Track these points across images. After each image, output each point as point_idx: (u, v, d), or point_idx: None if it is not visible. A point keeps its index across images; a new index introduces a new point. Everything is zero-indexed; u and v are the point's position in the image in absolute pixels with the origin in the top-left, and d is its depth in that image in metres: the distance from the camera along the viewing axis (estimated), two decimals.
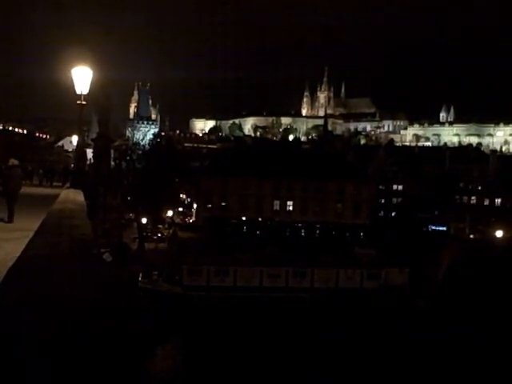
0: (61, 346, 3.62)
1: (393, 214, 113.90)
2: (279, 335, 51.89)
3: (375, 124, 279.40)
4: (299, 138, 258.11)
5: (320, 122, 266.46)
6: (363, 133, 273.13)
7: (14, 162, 19.62)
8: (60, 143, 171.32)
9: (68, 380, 3.07)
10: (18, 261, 7.62)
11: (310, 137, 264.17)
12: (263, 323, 54.67)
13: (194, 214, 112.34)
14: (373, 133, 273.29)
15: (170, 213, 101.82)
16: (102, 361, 3.44)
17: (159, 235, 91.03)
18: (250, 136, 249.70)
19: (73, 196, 20.79)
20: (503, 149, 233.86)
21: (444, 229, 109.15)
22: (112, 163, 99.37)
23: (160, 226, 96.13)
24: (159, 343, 44.33)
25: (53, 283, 5.76)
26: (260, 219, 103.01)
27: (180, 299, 62.04)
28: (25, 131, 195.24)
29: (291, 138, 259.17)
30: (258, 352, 46.75)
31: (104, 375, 3.25)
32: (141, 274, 68.11)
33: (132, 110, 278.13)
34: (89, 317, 4.48)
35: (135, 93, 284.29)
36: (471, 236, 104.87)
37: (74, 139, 47.67)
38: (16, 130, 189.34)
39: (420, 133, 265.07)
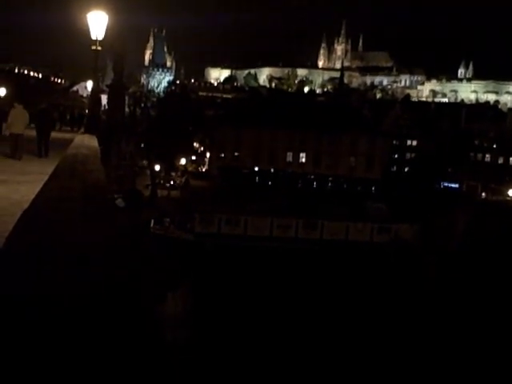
0: (73, 292, 3.76)
1: (406, 170, 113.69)
2: (287, 284, 52.64)
3: (392, 78, 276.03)
4: (315, 90, 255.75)
5: (336, 74, 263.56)
6: (379, 87, 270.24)
7: (44, 105, 24.05)
8: (75, 88, 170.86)
9: (78, 326, 3.20)
10: (33, 203, 7.78)
11: (325, 89, 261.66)
12: (272, 272, 55.43)
13: (206, 163, 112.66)
14: (389, 87, 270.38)
15: (183, 161, 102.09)
16: (113, 306, 3.58)
17: (172, 183, 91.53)
18: (265, 87, 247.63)
19: (87, 141, 20.98)
20: None
21: (456, 186, 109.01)
22: (126, 110, 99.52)
23: (173, 174, 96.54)
24: (169, 289, 45.24)
25: (66, 228, 5.88)
26: (272, 170, 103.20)
27: (191, 246, 62.82)
28: (40, 75, 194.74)
29: (306, 89, 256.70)
30: (265, 301, 47.56)
31: (115, 320, 3.36)
32: (153, 221, 68.82)
33: (147, 56, 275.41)
34: (102, 262, 4.64)
35: (151, 39, 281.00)
36: (483, 194, 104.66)
37: (89, 84, 47.56)
38: (31, 73, 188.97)
39: (437, 88, 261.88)
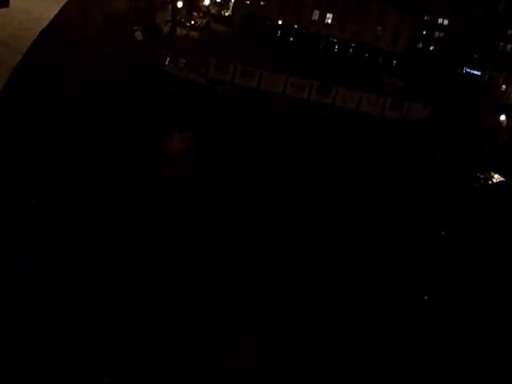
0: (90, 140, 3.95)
1: (431, 48, 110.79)
2: (291, 142, 53.12)
3: None
4: None
5: None
6: None
7: None
8: None
9: (92, 182, 3.41)
10: (52, 24, 7.58)
11: None
12: (278, 128, 55.80)
13: (231, 8, 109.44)
14: None
15: (206, 1, 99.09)
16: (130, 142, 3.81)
17: (192, 23, 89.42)
18: None
19: None
20: None
21: (478, 74, 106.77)
22: None
23: (195, 14, 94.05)
24: (176, 128, 45.57)
25: (82, 53, 5.87)
26: (296, 27, 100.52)
27: (203, 90, 62.58)
28: None
29: None
30: (266, 152, 48.20)
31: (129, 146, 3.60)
32: (168, 59, 67.93)
33: None
34: (118, 96, 4.79)
35: None
36: (504, 86, 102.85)
37: None
38: None
39: None
